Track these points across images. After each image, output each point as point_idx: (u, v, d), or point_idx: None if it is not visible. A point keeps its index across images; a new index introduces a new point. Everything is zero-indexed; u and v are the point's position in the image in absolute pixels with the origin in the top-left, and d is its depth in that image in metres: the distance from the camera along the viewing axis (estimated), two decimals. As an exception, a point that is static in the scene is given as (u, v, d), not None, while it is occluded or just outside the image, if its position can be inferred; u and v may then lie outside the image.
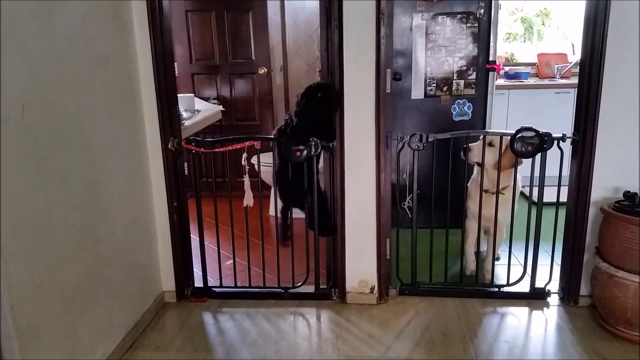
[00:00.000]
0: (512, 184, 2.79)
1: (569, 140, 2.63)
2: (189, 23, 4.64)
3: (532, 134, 2.61)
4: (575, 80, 5.18)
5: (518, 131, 2.62)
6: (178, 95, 3.95)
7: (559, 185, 2.72)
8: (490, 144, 2.80)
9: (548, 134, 2.61)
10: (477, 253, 3.09)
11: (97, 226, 2.22)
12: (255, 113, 4.78)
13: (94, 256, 2.20)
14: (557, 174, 2.67)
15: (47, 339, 1.87)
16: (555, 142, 2.61)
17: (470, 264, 3.04)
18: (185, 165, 2.84)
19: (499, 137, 2.75)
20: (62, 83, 1.97)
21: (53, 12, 1.91)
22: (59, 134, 1.95)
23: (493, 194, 2.80)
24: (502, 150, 2.71)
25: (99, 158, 2.24)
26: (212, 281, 2.98)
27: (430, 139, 2.66)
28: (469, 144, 2.83)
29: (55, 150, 1.92)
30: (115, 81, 2.39)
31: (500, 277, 2.99)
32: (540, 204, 2.71)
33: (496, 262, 3.04)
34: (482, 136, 2.84)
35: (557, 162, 2.64)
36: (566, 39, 5.84)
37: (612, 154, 2.55)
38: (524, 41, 5.94)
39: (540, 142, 2.61)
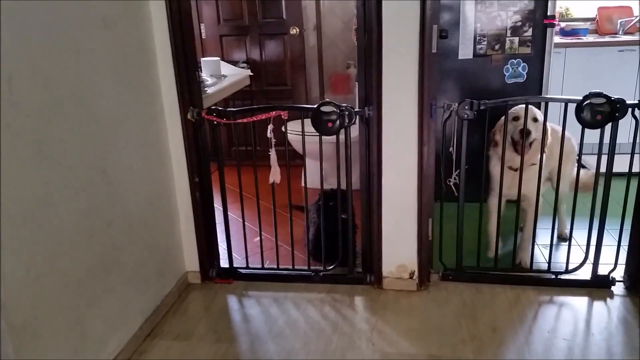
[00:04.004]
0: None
1: (646, 108, 2.25)
2: (216, -20, 4.33)
3: (602, 100, 2.24)
4: (643, 36, 4.69)
5: (586, 97, 2.25)
6: (203, 59, 3.72)
7: (632, 154, 2.32)
8: (535, 119, 2.46)
9: (621, 101, 2.24)
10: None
11: (107, 208, 2.01)
12: (286, 77, 4.48)
13: (105, 241, 2.00)
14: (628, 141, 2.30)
15: (47, 336, 1.68)
16: (630, 110, 2.24)
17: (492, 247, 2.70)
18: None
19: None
20: (59, 50, 1.73)
21: (44, -34, 1.66)
22: (56, 108, 1.72)
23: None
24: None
25: (108, 132, 2.01)
26: (239, 259, 2.78)
27: (482, 107, 2.32)
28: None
29: (52, 127, 1.70)
30: (126, 46, 2.14)
31: (556, 260, 2.66)
32: (608, 179, 2.36)
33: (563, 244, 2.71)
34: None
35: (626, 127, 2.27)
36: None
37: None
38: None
39: (612, 110, 2.24)
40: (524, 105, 2.42)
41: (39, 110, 1.64)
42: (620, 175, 2.35)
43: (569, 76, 4.36)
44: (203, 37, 4.45)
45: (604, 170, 2.36)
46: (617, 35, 4.79)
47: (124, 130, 2.13)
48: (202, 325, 2.34)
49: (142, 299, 2.29)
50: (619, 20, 4.85)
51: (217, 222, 2.73)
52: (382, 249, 2.51)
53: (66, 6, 1.76)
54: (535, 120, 2.47)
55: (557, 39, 4.63)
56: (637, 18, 4.79)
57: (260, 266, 2.70)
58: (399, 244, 2.50)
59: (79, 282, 1.84)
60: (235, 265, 2.72)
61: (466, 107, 2.33)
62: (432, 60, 2.28)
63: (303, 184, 2.62)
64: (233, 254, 2.73)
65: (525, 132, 2.41)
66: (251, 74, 4.16)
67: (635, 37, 4.57)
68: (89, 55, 1.89)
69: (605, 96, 2.24)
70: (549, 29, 3.25)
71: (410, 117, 2.33)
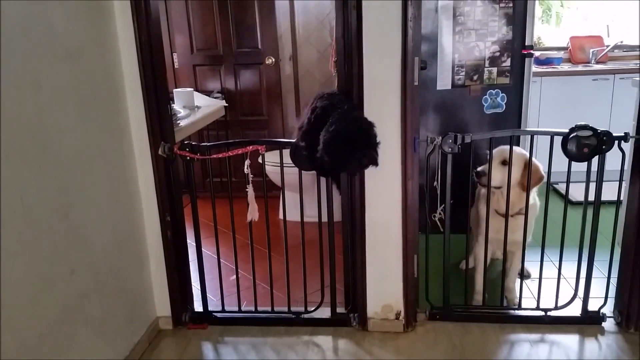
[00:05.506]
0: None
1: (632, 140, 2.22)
2: (189, 9, 4.23)
3: (588, 133, 2.19)
4: (613, 65, 4.74)
5: (572, 130, 2.20)
6: (175, 90, 3.61)
7: (620, 181, 2.28)
8: (504, 163, 2.36)
9: (607, 134, 2.19)
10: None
11: (71, 254, 1.85)
12: (262, 107, 4.37)
13: (68, 290, 1.83)
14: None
15: (1, 404, 1.51)
16: (617, 142, 2.20)
17: (479, 296, 2.58)
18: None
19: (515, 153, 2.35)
20: (15, 84, 1.59)
21: (1, -5, 1.53)
22: (12, 148, 1.57)
23: (512, 216, 2.40)
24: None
25: (71, 173, 1.86)
26: (214, 301, 2.62)
27: (467, 140, 2.25)
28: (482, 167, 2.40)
29: (8, 169, 1.55)
30: (91, 79, 2.01)
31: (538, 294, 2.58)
32: (596, 213, 2.30)
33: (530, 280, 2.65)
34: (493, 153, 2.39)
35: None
36: (586, 20, 5.34)
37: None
38: (542, 23, 5.47)
39: (599, 143, 2.19)
40: (502, 147, 2.37)
41: (-7, 151, 1.49)
42: (603, 203, 2.30)
43: (545, 105, 4.37)
44: (176, 66, 4.33)
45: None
46: (590, 64, 4.85)
47: (90, 169, 1.98)
48: (174, 377, 2.18)
49: (109, 349, 2.11)
50: (591, 50, 4.92)
51: (190, 259, 2.58)
52: (367, 287, 2.39)
53: (24, 37, 1.63)
54: (504, 163, 2.36)
55: (533, 68, 4.65)
56: (608, 48, 4.86)
57: (237, 309, 2.54)
58: (384, 282, 2.38)
59: (39, 338, 1.67)
60: (210, 308, 2.56)
61: (450, 141, 2.25)
62: (415, 93, 2.21)
63: (281, 217, 2.49)
64: (208, 295, 2.57)
65: (479, 174, 2.38)
66: (226, 104, 4.06)
67: (607, 67, 4.62)
68: (51, 89, 1.75)
69: (592, 129, 2.19)
70: (527, 59, 3.25)
71: (393, 151, 2.24)
